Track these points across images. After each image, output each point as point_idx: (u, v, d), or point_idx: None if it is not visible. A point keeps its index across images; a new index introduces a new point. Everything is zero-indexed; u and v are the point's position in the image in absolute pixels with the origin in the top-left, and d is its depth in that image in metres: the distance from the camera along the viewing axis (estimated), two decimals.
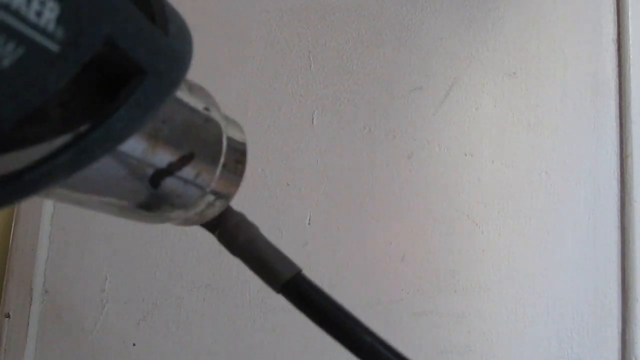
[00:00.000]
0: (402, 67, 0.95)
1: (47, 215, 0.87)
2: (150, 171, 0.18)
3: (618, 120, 0.98)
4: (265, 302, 0.85)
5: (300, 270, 0.29)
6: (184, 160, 0.19)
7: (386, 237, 0.90)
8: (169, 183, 0.19)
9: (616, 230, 0.95)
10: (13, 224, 0.87)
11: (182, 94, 0.19)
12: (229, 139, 0.21)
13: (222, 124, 0.21)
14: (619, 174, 0.96)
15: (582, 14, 1.01)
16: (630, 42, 0.99)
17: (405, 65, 0.95)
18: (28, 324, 0.83)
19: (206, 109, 0.20)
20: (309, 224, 0.89)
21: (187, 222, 0.23)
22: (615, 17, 1.02)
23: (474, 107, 0.95)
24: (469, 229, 0.92)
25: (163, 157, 0.18)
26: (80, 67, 0.12)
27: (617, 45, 1.01)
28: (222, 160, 0.21)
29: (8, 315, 0.83)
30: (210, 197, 0.22)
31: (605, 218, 0.95)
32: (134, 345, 0.84)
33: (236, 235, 0.26)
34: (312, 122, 0.92)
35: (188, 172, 0.19)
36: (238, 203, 0.86)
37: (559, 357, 0.90)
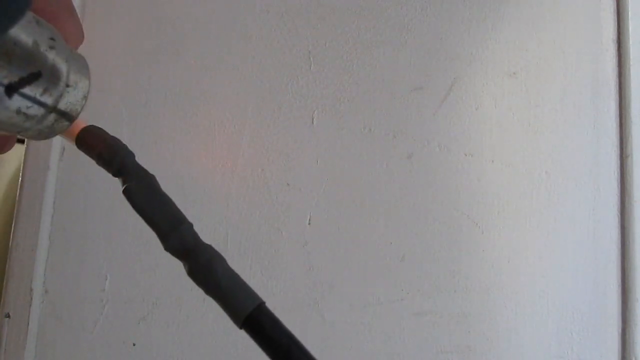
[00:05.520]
0: (402, 67, 0.95)
1: (47, 215, 0.87)
2: (4, 83, 0.23)
3: (618, 120, 0.98)
4: (266, 302, 0.85)
5: (262, 303, 0.29)
6: (33, 76, 0.24)
7: (386, 237, 0.90)
8: (21, 94, 0.24)
9: (616, 230, 0.95)
10: (13, 224, 0.87)
11: (30, 24, 0.24)
12: (71, 65, 0.27)
13: (66, 51, 0.27)
14: (619, 174, 0.96)
15: (582, 14, 1.01)
16: (630, 42, 0.99)
17: (405, 65, 0.95)
18: (28, 324, 0.83)
19: (51, 39, 0.26)
20: (309, 224, 0.89)
21: (41, 134, 0.28)
22: (615, 17, 1.02)
23: (474, 107, 0.95)
24: (469, 229, 0.92)
25: (15, 72, 0.23)
26: None
27: (617, 45, 1.01)
28: (65, 80, 0.27)
29: (8, 315, 0.83)
30: (57, 114, 0.27)
31: (605, 218, 0.95)
32: (134, 345, 0.84)
33: (204, 269, 0.29)
34: (312, 122, 0.92)
35: (37, 86, 0.25)
36: (239, 202, 0.86)
37: (559, 357, 0.90)
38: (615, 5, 1.02)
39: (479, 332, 0.89)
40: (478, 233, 0.92)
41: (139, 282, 0.85)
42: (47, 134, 0.29)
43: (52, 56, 0.25)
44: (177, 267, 0.90)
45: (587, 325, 0.91)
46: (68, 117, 0.28)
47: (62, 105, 0.27)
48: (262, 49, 0.94)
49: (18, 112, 0.25)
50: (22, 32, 0.23)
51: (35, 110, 0.26)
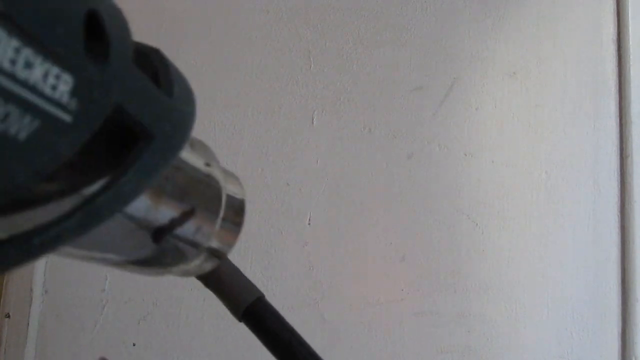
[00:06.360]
0: (402, 67, 0.95)
1: None
2: (152, 227, 0.18)
3: (618, 120, 0.98)
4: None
5: (262, 295, 0.28)
6: (186, 216, 0.19)
7: (386, 237, 0.90)
8: (171, 238, 0.19)
9: (616, 230, 0.95)
10: None
11: (184, 151, 0.19)
12: (228, 194, 0.22)
13: (222, 179, 0.22)
14: (619, 174, 0.96)
15: (582, 14, 1.01)
16: (630, 42, 0.99)
17: (405, 65, 0.95)
18: (28, 324, 0.83)
19: (207, 164, 0.21)
20: (309, 224, 0.89)
21: (186, 274, 0.23)
22: (615, 17, 1.02)
23: (474, 107, 0.95)
24: (469, 229, 0.92)
25: (165, 214, 0.18)
26: (91, 135, 0.12)
27: (617, 45, 1.01)
28: (221, 214, 0.22)
29: (8, 315, 0.83)
30: (210, 251, 0.23)
31: (605, 218, 0.95)
32: (134, 345, 0.84)
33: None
34: (312, 122, 0.92)
35: (189, 227, 0.20)
36: None
37: (559, 357, 0.90)
38: (615, 5, 1.02)
39: (479, 332, 0.89)
40: (478, 233, 0.92)
41: (139, 282, 0.85)
42: (191, 273, 0.24)
43: (206, 187, 0.21)
44: None
45: (587, 325, 0.91)
46: (219, 254, 0.23)
47: (215, 243, 0.22)
48: (262, 49, 0.94)
49: (164, 256, 0.20)
50: (175, 163, 0.18)
51: (184, 253, 0.21)
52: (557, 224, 0.94)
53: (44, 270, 0.85)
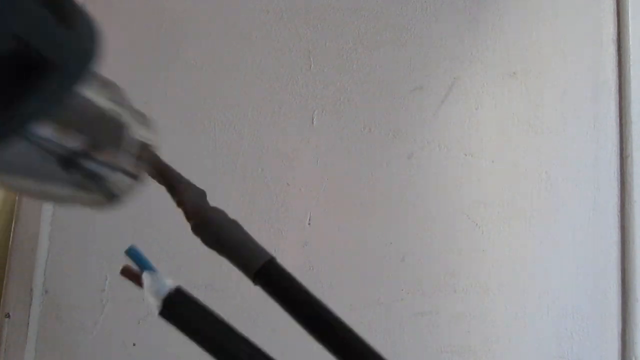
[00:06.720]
0: (402, 67, 0.95)
1: (47, 215, 0.87)
2: (61, 156, 0.20)
3: (618, 120, 0.98)
4: (266, 302, 0.85)
5: (273, 258, 0.30)
6: (93, 147, 0.21)
7: (386, 237, 0.90)
8: (80, 167, 0.21)
9: (616, 230, 0.95)
10: (13, 224, 0.87)
11: (93, 87, 0.21)
12: (136, 130, 0.24)
13: (130, 117, 0.24)
14: (619, 174, 0.96)
15: (582, 14, 1.01)
16: (630, 42, 0.99)
17: (405, 65, 0.95)
18: (28, 324, 0.83)
19: (116, 103, 0.23)
20: (309, 224, 0.89)
21: (93, 203, 0.25)
22: (615, 17, 1.02)
23: (474, 107, 0.95)
24: (469, 229, 0.91)
25: (73, 144, 0.20)
26: None
27: (617, 45, 1.01)
28: (127, 148, 0.24)
29: (8, 315, 0.83)
30: (119, 181, 0.24)
31: (605, 218, 0.95)
32: (134, 345, 0.84)
33: (210, 227, 0.29)
34: (312, 122, 0.92)
35: (96, 157, 0.21)
36: (239, 203, 0.86)
37: (559, 357, 0.90)
38: (615, 5, 1.02)
39: (478, 332, 0.89)
40: (478, 233, 0.92)
41: None
42: (104, 204, 0.25)
43: (113, 123, 0.22)
44: (176, 266, 0.89)
45: (587, 325, 0.91)
46: (133, 176, 0.25)
47: (117, 178, 0.24)
48: (262, 49, 0.94)
49: (75, 183, 0.22)
50: (84, 98, 0.20)
51: (94, 183, 0.22)
52: (557, 224, 0.94)
53: (44, 270, 0.85)
